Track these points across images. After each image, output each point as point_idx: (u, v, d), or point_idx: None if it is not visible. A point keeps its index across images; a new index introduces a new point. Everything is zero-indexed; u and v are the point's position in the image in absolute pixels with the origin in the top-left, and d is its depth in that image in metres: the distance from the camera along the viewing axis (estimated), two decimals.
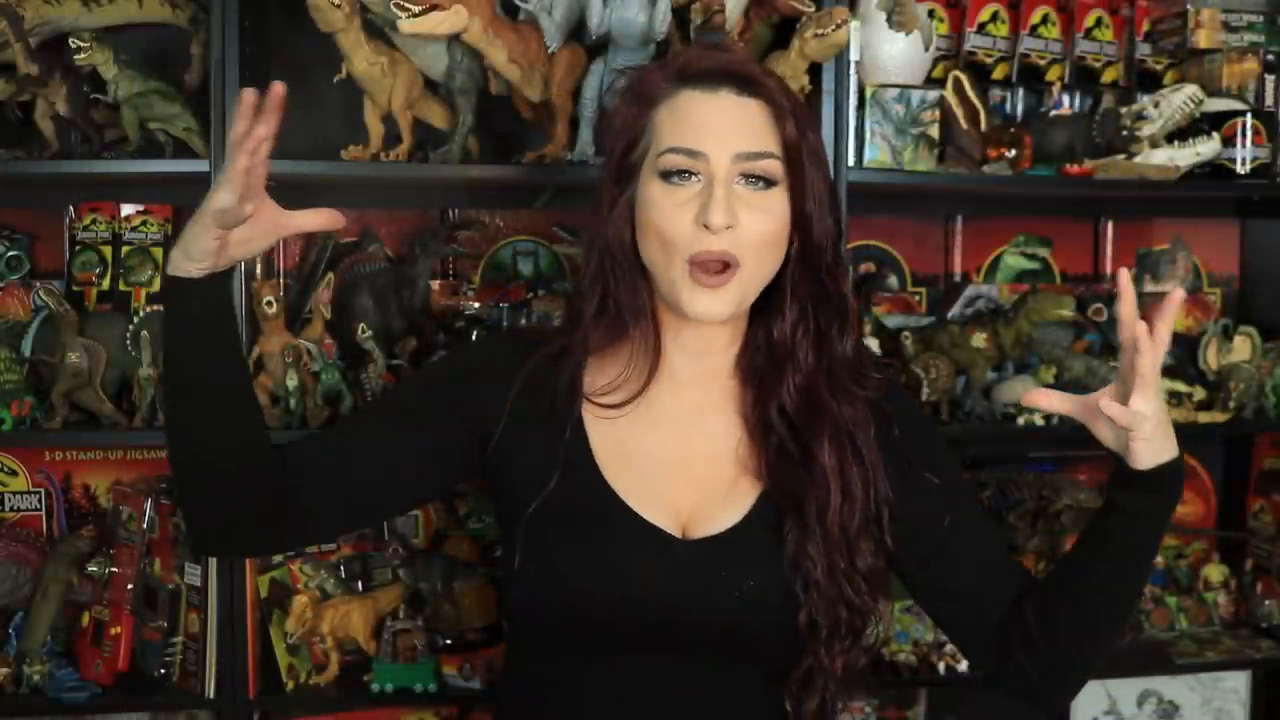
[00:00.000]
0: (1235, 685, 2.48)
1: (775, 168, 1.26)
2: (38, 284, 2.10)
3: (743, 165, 1.25)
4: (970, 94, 2.15)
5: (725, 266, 1.24)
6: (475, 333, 2.06)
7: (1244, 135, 2.23)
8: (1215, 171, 2.26)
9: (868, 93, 2.06)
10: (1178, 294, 1.22)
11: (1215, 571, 2.44)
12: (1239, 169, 2.24)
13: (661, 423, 1.35)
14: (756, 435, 1.34)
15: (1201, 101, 2.18)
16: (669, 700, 1.31)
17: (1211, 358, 2.32)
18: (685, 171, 1.25)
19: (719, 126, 1.25)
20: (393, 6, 1.79)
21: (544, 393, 1.34)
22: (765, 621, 1.29)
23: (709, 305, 1.25)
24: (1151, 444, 1.25)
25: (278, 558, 2.08)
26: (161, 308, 1.26)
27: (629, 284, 1.31)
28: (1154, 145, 2.18)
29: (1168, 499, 1.29)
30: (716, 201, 1.22)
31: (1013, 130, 2.14)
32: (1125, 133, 2.15)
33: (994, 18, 2.30)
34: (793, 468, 1.31)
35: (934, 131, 2.10)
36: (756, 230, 1.25)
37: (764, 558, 1.30)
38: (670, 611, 1.28)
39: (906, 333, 2.19)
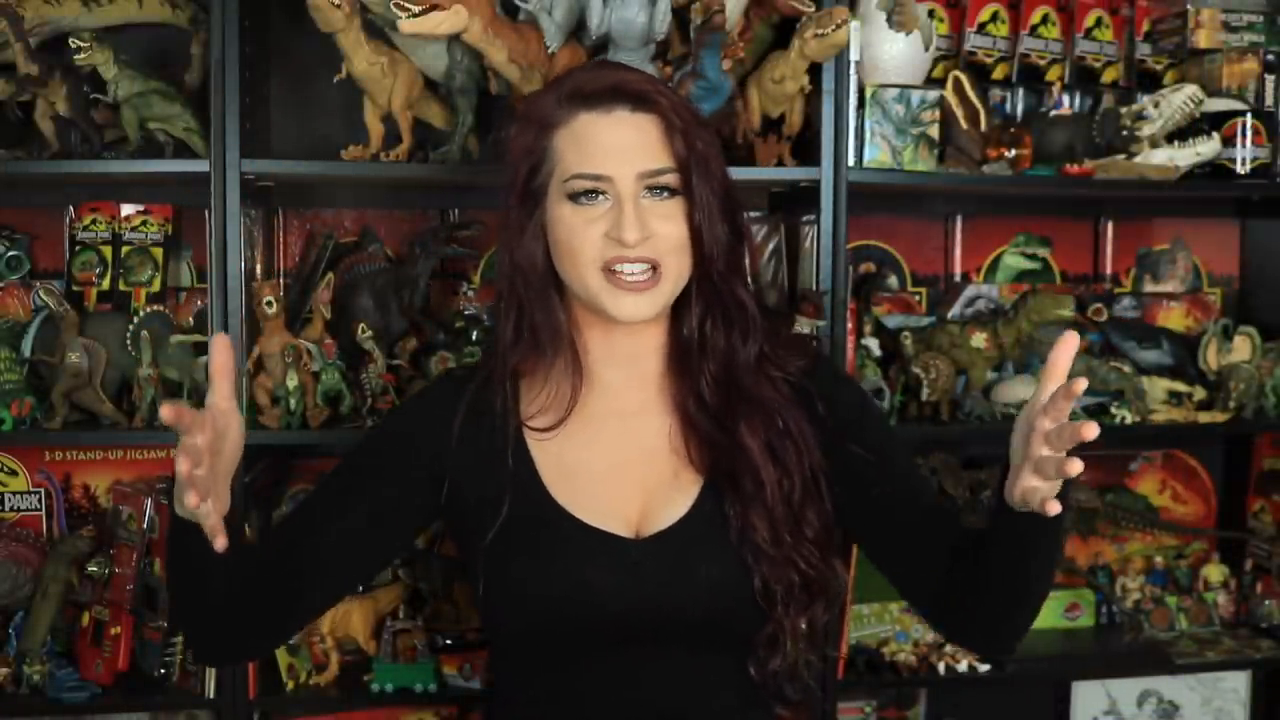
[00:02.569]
0: (1235, 685, 2.47)
1: (674, 180, 1.32)
2: (38, 284, 2.10)
3: (645, 181, 1.30)
4: (970, 94, 2.15)
5: (653, 269, 1.30)
6: (475, 333, 2.06)
7: (1244, 135, 2.23)
8: (1215, 171, 2.26)
9: (868, 93, 2.06)
10: (1071, 340, 1.19)
11: (1215, 571, 2.44)
12: (1239, 169, 2.24)
13: (602, 433, 1.40)
14: (686, 424, 1.39)
15: (1201, 101, 2.18)
16: (651, 693, 1.36)
17: (1211, 358, 2.32)
18: (593, 192, 1.30)
19: (620, 147, 1.30)
20: (393, 6, 1.79)
21: (484, 422, 1.39)
22: (730, 603, 1.34)
23: (635, 307, 1.31)
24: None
25: None
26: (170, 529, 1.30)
27: (543, 306, 1.36)
28: (1154, 145, 2.18)
29: (1052, 528, 1.25)
30: (628, 219, 1.28)
31: (1013, 130, 2.14)
32: (1125, 133, 2.15)
33: (994, 18, 2.30)
34: (723, 448, 1.36)
35: (934, 131, 2.10)
36: (669, 236, 1.31)
37: (717, 542, 1.35)
38: (636, 611, 1.32)
39: (906, 333, 2.19)
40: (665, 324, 1.40)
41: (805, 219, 2.07)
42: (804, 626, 1.37)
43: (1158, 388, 2.26)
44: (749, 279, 1.41)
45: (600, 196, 1.31)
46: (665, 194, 1.31)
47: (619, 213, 1.29)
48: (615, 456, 1.39)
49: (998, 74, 2.32)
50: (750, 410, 1.37)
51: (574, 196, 1.31)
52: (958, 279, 2.43)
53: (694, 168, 1.31)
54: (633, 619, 1.33)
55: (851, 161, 2.03)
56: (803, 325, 1.97)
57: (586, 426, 1.40)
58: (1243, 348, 2.32)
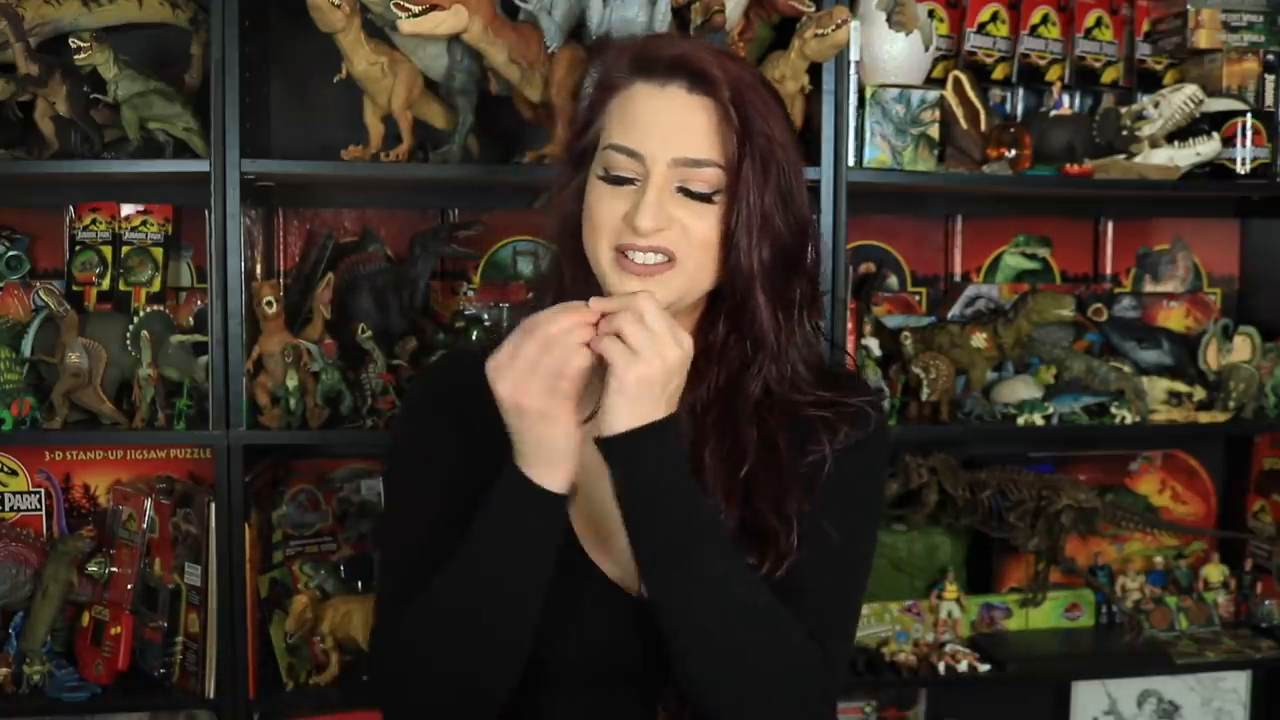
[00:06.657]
0: (1235, 685, 2.48)
1: (716, 178, 1.18)
2: (38, 284, 2.10)
3: (680, 172, 1.17)
4: (970, 94, 2.15)
5: (668, 260, 1.17)
6: (475, 333, 2.06)
7: (1244, 135, 2.23)
8: (1215, 171, 2.26)
9: (868, 93, 2.06)
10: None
11: (1215, 571, 2.44)
12: (1239, 169, 2.24)
13: None
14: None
15: (1201, 101, 2.18)
16: None
17: (1211, 358, 2.32)
18: (623, 179, 1.18)
19: (662, 127, 1.18)
20: (393, 6, 1.79)
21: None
22: None
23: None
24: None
25: (278, 558, 2.08)
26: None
27: (581, 270, 1.24)
28: (1154, 145, 2.18)
29: (624, 469, 1.12)
30: (647, 204, 1.15)
31: (1013, 130, 2.14)
32: (1125, 133, 2.15)
33: (994, 18, 2.30)
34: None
35: (934, 131, 2.10)
36: (695, 231, 1.18)
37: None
38: (636, 659, 1.21)
39: (906, 333, 2.19)
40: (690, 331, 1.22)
41: None
42: None
43: (1158, 388, 2.26)
44: (805, 323, 1.25)
45: (630, 184, 1.18)
46: (699, 199, 1.18)
47: (640, 195, 1.16)
48: None
49: (998, 74, 2.33)
50: (721, 443, 1.21)
51: (606, 170, 1.19)
52: (958, 279, 2.43)
53: (743, 172, 1.17)
54: (638, 669, 1.21)
55: (851, 161, 2.03)
56: None
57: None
58: (1243, 348, 2.32)
